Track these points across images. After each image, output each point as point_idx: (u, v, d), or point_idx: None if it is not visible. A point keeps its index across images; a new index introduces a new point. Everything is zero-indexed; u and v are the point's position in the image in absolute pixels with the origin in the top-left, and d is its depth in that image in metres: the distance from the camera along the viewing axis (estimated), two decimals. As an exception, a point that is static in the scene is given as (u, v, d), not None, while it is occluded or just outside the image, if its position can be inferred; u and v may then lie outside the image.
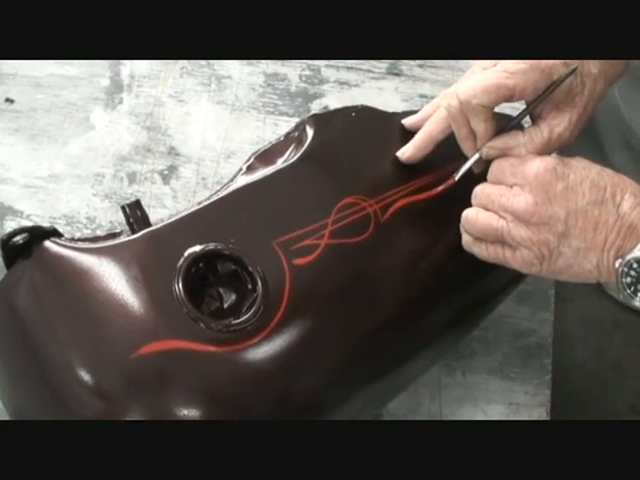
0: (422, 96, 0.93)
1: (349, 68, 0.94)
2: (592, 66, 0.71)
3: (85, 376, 0.59)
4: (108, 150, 0.89)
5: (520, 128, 0.72)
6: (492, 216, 0.68)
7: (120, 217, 0.69)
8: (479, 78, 0.70)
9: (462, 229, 0.71)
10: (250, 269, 0.64)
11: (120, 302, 0.61)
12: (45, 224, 0.82)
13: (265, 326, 0.63)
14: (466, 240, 0.71)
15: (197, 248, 0.64)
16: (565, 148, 0.72)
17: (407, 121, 0.77)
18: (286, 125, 0.90)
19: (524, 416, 0.80)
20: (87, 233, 0.84)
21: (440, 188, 0.73)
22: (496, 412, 0.80)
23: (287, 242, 0.66)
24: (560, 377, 0.87)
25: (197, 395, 0.60)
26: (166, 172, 0.88)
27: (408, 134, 0.76)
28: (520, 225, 0.67)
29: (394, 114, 0.78)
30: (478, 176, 0.72)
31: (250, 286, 0.64)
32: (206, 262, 0.64)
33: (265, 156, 0.73)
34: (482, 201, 0.69)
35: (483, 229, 0.69)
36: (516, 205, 0.66)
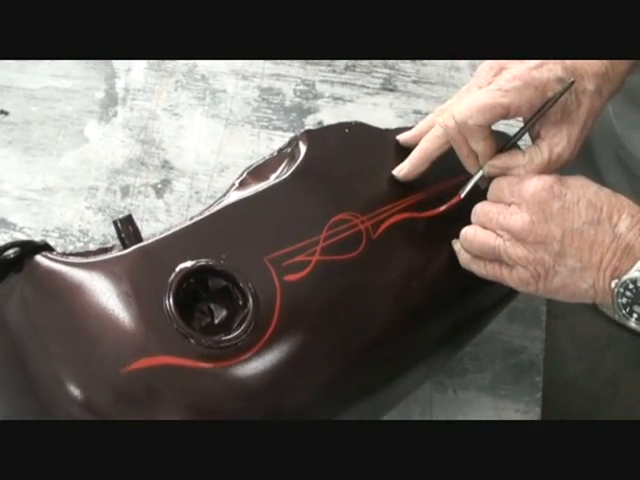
0: (416, 112, 0.93)
1: (343, 83, 0.94)
2: (587, 82, 0.71)
3: (75, 391, 0.59)
4: (102, 163, 0.89)
5: (518, 147, 0.72)
6: (490, 234, 0.68)
7: (113, 230, 0.69)
8: (474, 98, 0.70)
9: (460, 247, 0.71)
10: (241, 285, 0.64)
11: (111, 317, 0.61)
12: (38, 237, 0.83)
13: (256, 342, 0.63)
14: (464, 258, 0.71)
15: (188, 264, 0.64)
16: (566, 167, 0.72)
17: (402, 137, 0.77)
18: (280, 140, 0.90)
19: (515, 434, 0.80)
20: (80, 246, 0.84)
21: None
22: (487, 429, 0.80)
23: (278, 258, 0.66)
24: (552, 394, 0.87)
25: (187, 411, 0.60)
26: (160, 186, 0.88)
27: (402, 151, 0.76)
28: (517, 244, 0.67)
29: (387, 130, 0.78)
30: (472, 195, 0.72)
31: (241, 302, 0.64)
32: (197, 278, 0.64)
33: (258, 172, 0.73)
34: (481, 219, 0.69)
35: (481, 247, 0.69)
36: (513, 224, 0.67)
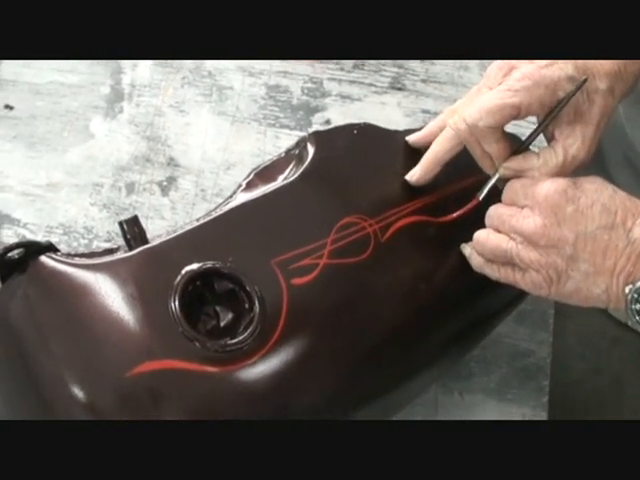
0: (425, 111, 0.92)
1: (351, 82, 0.93)
2: (599, 81, 0.70)
3: (79, 393, 0.58)
4: (107, 159, 0.88)
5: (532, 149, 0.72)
6: (502, 238, 0.68)
7: (117, 228, 0.68)
8: (484, 100, 0.69)
9: (472, 250, 0.70)
10: (248, 288, 0.64)
11: (115, 320, 0.61)
12: (42, 233, 0.82)
13: (262, 346, 0.63)
14: (477, 261, 0.70)
15: (195, 266, 0.63)
16: (581, 168, 0.71)
17: (411, 138, 0.76)
18: (287, 138, 0.89)
19: (521, 438, 0.80)
20: (84, 243, 0.83)
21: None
22: (493, 433, 0.80)
23: (285, 261, 0.66)
24: (558, 395, 0.86)
25: (191, 415, 0.60)
26: (165, 183, 0.87)
27: (411, 153, 0.75)
28: (529, 247, 0.66)
29: (396, 132, 0.77)
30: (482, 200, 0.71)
31: (247, 305, 0.64)
32: (203, 280, 0.64)
33: (265, 173, 0.73)
34: (494, 222, 0.69)
35: (493, 250, 0.68)
36: (525, 227, 0.66)
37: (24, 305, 0.62)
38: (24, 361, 0.61)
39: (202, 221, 0.67)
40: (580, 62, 0.70)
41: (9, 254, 0.64)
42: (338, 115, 0.91)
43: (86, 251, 0.73)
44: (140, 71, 0.92)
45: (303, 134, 0.77)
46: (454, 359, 0.78)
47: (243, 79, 0.93)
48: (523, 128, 0.89)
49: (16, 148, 0.88)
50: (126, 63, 0.93)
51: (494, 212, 0.69)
